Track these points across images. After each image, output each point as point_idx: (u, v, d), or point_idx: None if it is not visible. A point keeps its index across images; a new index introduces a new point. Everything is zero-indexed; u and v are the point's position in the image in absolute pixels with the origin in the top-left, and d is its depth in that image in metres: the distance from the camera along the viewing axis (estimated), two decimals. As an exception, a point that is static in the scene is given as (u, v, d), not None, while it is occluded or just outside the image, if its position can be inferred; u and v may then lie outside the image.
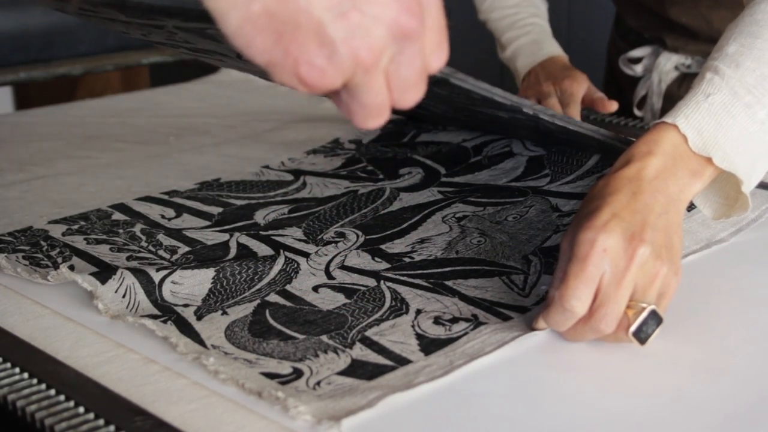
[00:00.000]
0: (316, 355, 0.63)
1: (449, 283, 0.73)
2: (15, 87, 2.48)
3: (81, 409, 0.57)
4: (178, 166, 1.05)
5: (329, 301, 0.71)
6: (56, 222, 0.87)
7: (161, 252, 0.80)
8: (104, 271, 0.72)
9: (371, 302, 0.71)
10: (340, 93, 0.45)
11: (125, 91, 1.92)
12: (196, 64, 1.68)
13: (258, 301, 0.71)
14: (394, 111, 0.49)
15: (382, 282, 0.74)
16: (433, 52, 0.46)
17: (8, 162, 1.09)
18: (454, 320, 0.67)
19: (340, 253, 0.79)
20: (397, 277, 0.75)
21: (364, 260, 0.78)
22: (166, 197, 0.93)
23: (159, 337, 0.65)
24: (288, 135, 1.15)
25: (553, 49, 1.21)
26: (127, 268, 0.73)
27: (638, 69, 1.30)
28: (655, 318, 0.63)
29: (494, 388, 0.60)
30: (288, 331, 0.66)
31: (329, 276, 0.75)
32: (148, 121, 1.28)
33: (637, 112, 1.30)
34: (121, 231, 0.85)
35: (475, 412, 0.57)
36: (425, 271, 0.76)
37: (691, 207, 0.82)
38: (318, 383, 0.59)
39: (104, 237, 0.83)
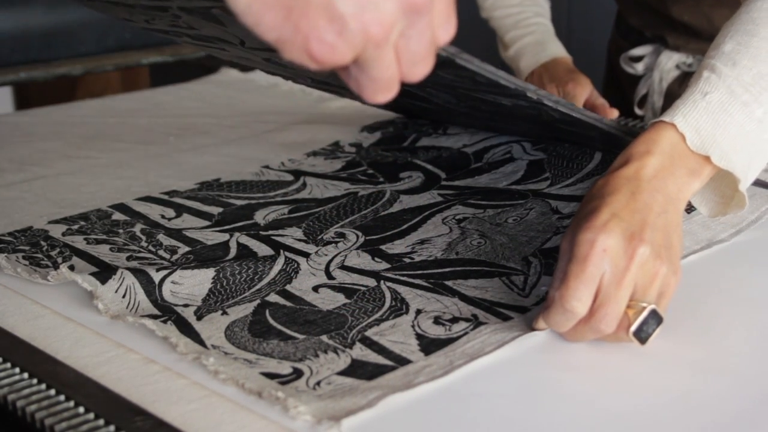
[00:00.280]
0: (316, 355, 0.63)
1: (449, 283, 0.73)
2: (15, 87, 2.48)
3: (81, 409, 0.57)
4: (178, 166, 1.05)
5: (329, 301, 0.71)
6: (56, 222, 0.87)
7: (161, 252, 0.80)
8: (104, 271, 0.72)
9: (371, 302, 0.71)
10: (349, 68, 0.45)
11: (125, 91, 1.92)
12: (196, 64, 1.68)
13: (258, 301, 0.71)
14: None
15: (382, 282, 0.74)
16: (441, 25, 0.46)
17: (8, 162, 1.09)
18: (454, 320, 0.67)
19: (340, 253, 0.79)
20: (397, 277, 0.75)
21: (364, 260, 0.78)
22: (166, 197, 0.93)
23: (159, 337, 0.65)
24: (288, 136, 1.15)
25: (556, 50, 1.21)
26: (127, 268, 0.73)
27: (639, 67, 1.30)
28: (655, 318, 0.63)
29: (494, 388, 0.60)
30: (288, 331, 0.66)
31: (329, 276, 0.75)
32: (148, 121, 1.28)
33: (637, 111, 1.30)
34: (121, 231, 0.85)
35: (475, 412, 0.57)
36: (425, 272, 0.76)
37: (690, 209, 0.82)
38: (318, 383, 0.59)
39: (104, 237, 0.83)
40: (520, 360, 0.63)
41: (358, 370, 0.61)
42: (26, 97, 2.47)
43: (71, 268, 0.76)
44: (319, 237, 0.83)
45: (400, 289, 0.73)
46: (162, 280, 0.72)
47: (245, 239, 0.82)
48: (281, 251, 0.79)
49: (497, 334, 0.65)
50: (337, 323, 0.67)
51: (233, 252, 0.80)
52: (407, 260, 0.78)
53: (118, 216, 0.88)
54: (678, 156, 0.68)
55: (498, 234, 0.81)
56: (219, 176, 0.99)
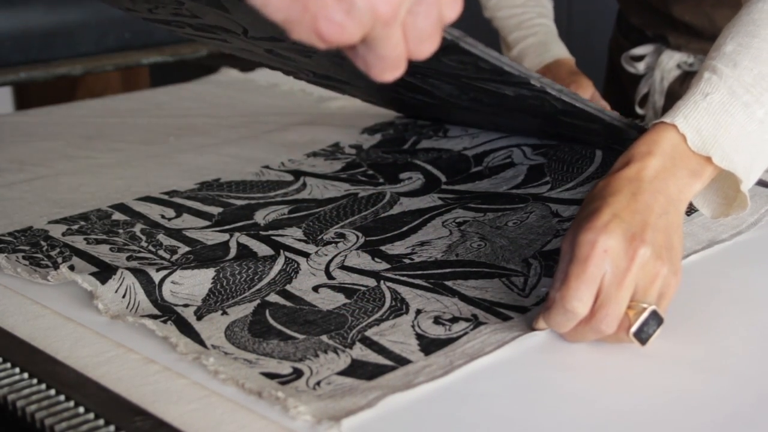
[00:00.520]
0: (316, 355, 0.63)
1: (449, 283, 0.73)
2: (15, 87, 2.48)
3: (81, 409, 0.57)
4: (178, 166, 1.05)
5: (329, 301, 0.71)
6: (56, 222, 0.87)
7: (161, 252, 0.80)
8: (104, 271, 0.72)
9: (371, 302, 0.70)
10: (357, 47, 0.45)
11: (125, 91, 1.92)
12: (196, 64, 1.68)
13: (258, 301, 0.71)
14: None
15: (382, 282, 0.74)
16: (448, 3, 0.46)
17: (8, 162, 1.09)
18: (454, 320, 0.67)
19: (340, 253, 0.79)
20: (397, 277, 0.75)
21: (364, 260, 0.78)
22: (166, 197, 0.93)
23: (159, 337, 0.65)
24: (288, 136, 1.15)
25: (560, 51, 1.21)
26: (127, 268, 0.73)
27: (640, 67, 1.30)
28: (655, 318, 0.63)
29: (494, 388, 0.60)
30: (288, 331, 0.66)
31: (329, 276, 0.75)
32: (148, 121, 1.28)
33: (638, 110, 1.30)
34: (121, 231, 0.85)
35: (475, 412, 0.57)
36: (425, 272, 0.76)
37: (691, 210, 0.82)
38: (318, 383, 0.59)
39: (104, 237, 0.83)
40: (520, 360, 0.63)
41: (358, 370, 0.61)
42: (26, 97, 2.47)
43: (71, 268, 0.76)
44: (319, 237, 0.83)
45: (400, 289, 0.73)
46: (162, 280, 0.72)
47: (245, 239, 0.82)
48: (281, 251, 0.79)
49: (497, 334, 0.65)
50: (337, 323, 0.67)
51: (233, 252, 0.80)
52: (407, 261, 0.78)
53: (118, 216, 0.88)
54: (679, 157, 0.68)
55: (498, 237, 0.81)
56: (219, 176, 0.99)
